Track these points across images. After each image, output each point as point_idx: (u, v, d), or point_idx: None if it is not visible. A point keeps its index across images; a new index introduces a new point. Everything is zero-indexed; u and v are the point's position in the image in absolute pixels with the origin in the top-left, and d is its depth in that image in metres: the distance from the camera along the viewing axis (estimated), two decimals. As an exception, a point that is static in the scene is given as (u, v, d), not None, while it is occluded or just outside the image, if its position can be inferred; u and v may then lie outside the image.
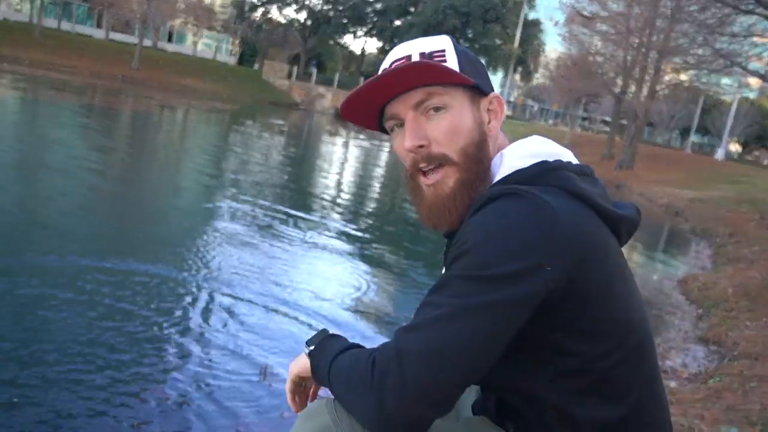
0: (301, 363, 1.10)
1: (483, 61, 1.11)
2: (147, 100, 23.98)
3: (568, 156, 1.06)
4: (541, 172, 0.99)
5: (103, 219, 6.02)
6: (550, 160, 1.01)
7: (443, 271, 1.17)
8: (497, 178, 1.02)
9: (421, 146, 1.02)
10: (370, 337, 3.97)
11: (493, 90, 1.09)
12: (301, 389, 1.17)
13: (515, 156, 1.03)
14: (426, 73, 1.00)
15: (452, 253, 0.93)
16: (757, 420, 2.60)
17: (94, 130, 13.25)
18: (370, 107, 1.07)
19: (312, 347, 1.07)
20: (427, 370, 0.86)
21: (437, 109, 1.02)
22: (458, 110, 1.03)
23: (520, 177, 0.98)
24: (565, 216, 0.91)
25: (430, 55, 1.03)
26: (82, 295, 3.75)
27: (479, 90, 1.06)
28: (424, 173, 1.04)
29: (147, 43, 42.26)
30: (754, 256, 7.92)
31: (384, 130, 1.12)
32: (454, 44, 1.06)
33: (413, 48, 1.05)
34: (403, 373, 0.86)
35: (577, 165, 1.04)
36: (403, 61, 1.03)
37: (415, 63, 1.01)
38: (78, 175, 7.71)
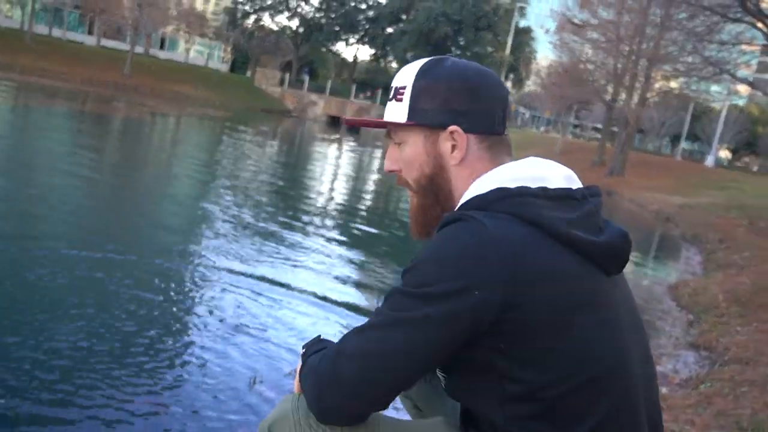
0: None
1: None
2: (139, 107, 23.92)
3: (556, 179, 1.04)
4: (499, 198, 1.00)
5: (89, 223, 5.98)
6: (532, 186, 1.01)
7: None
8: (461, 201, 1.08)
9: (392, 171, 1.19)
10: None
11: (461, 118, 1.09)
12: None
13: (490, 180, 1.05)
14: (389, 113, 1.17)
15: (405, 267, 1.01)
16: (747, 425, 2.61)
17: (87, 136, 13.19)
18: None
19: (303, 349, 1.17)
20: (357, 371, 0.97)
21: (399, 143, 1.17)
22: (411, 146, 1.14)
23: (478, 203, 1.02)
24: (504, 242, 0.92)
25: (396, 90, 1.15)
26: (70, 298, 3.72)
27: (442, 122, 1.11)
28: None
29: (139, 49, 42.23)
30: (743, 261, 7.97)
31: None
32: (416, 79, 1.12)
33: (402, 78, 1.16)
34: (337, 369, 0.99)
35: (557, 189, 1.02)
36: (391, 91, 1.18)
37: (371, 121, 1.26)
38: (66, 181, 7.67)
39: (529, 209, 0.97)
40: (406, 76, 1.14)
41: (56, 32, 44.23)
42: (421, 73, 1.12)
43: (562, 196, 1.02)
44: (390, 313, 0.97)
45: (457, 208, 1.07)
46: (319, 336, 1.17)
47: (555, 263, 0.94)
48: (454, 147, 1.10)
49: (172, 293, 4.26)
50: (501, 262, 0.91)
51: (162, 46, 53.73)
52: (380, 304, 1.01)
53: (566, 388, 0.94)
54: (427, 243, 1.01)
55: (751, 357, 3.82)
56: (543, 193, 1.00)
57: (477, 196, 1.03)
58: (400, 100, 1.13)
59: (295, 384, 1.17)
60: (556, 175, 1.05)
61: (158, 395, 2.86)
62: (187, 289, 4.41)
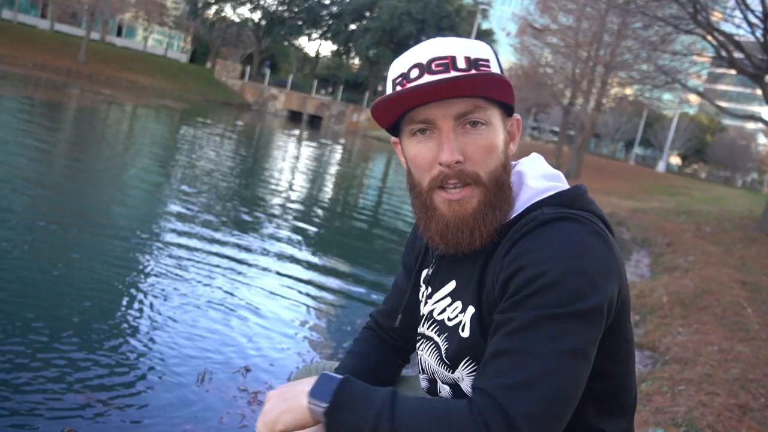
0: (299, 419, 0.90)
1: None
2: (93, 95, 23.26)
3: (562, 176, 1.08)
4: (578, 196, 1.00)
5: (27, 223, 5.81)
6: (562, 180, 1.04)
7: (427, 289, 1.13)
8: (524, 198, 1.00)
9: (458, 162, 0.95)
10: (326, 336, 3.96)
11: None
12: None
13: (535, 177, 1.03)
14: (481, 85, 0.94)
15: (522, 283, 0.88)
16: (681, 421, 2.72)
17: (36, 124, 12.75)
18: (402, 106, 0.98)
19: (326, 401, 0.88)
20: (545, 428, 0.84)
21: (475, 123, 0.96)
22: (495, 129, 0.98)
23: (562, 199, 0.98)
24: (614, 244, 0.94)
25: (476, 61, 0.97)
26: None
27: (509, 110, 1.03)
28: (444, 188, 0.98)
29: (95, 36, 41.03)
30: (688, 265, 8.25)
31: (391, 130, 1.05)
32: (495, 55, 1.01)
33: (455, 48, 0.97)
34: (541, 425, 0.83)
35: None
36: (447, 61, 0.96)
37: (483, 74, 0.95)
38: (9, 172, 7.41)
39: (596, 207, 1.01)
40: (480, 49, 0.99)
41: (6, 14, 42.67)
42: (494, 52, 1.02)
43: None
44: (555, 347, 0.85)
45: (527, 203, 0.99)
46: (331, 375, 0.91)
47: (621, 257, 0.97)
48: (510, 138, 1.04)
49: (120, 284, 4.17)
50: (618, 262, 0.93)
51: (119, 33, 52.34)
52: (519, 340, 0.86)
53: (631, 375, 1.03)
54: (533, 249, 0.90)
55: (690, 357, 3.96)
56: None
57: (561, 193, 0.99)
58: (488, 72, 0.97)
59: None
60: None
61: (100, 388, 2.80)
62: (136, 279, 4.32)
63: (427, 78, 0.95)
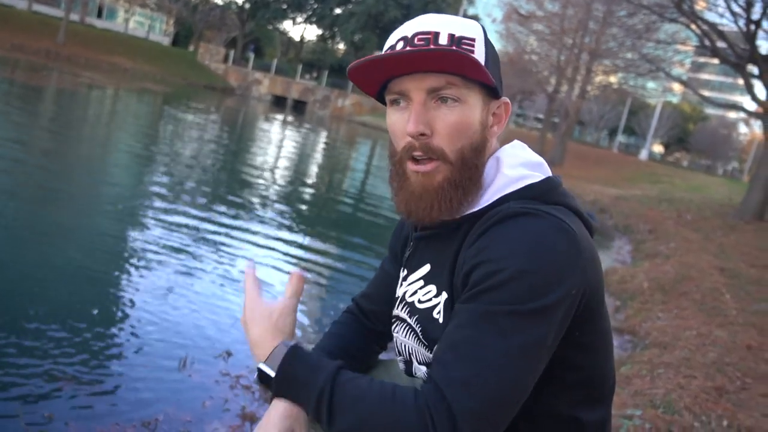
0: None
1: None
2: (73, 78, 22.87)
3: (545, 164, 1.08)
4: (550, 189, 1.00)
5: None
6: (544, 169, 1.04)
7: (404, 272, 1.14)
8: (497, 185, 1.00)
9: (423, 134, 0.96)
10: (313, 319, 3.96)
11: (502, 93, 1.05)
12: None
13: (513, 165, 1.02)
14: (454, 61, 0.94)
15: (480, 278, 0.89)
16: (660, 403, 2.76)
17: (12, 108, 12.52)
18: (378, 75, 0.99)
19: (274, 365, 0.94)
20: (487, 425, 0.84)
21: (445, 99, 0.96)
22: (469, 108, 0.98)
23: (532, 192, 0.98)
24: (581, 239, 0.93)
25: (460, 39, 0.96)
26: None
27: (494, 92, 1.02)
28: (415, 159, 0.99)
29: (74, 17, 40.21)
30: (669, 251, 8.36)
31: (380, 99, 1.06)
32: (484, 35, 1.01)
33: (442, 24, 0.98)
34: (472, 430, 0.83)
35: (558, 177, 1.06)
36: (429, 36, 0.96)
37: (449, 50, 0.93)
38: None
39: (570, 200, 1.01)
40: (467, 28, 0.98)
41: (-17, -6, 41.60)
42: (485, 31, 1.01)
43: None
44: (504, 343, 0.85)
45: (499, 193, 0.99)
46: (283, 342, 0.97)
47: (594, 249, 0.98)
48: (496, 121, 1.04)
49: (100, 268, 4.13)
50: (582, 258, 0.92)
51: (99, 15, 51.33)
52: (472, 329, 0.87)
53: (607, 365, 1.03)
54: (496, 242, 0.90)
55: (668, 341, 4.03)
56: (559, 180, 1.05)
57: (530, 186, 0.99)
58: (471, 51, 0.97)
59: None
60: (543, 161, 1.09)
61: (81, 373, 2.77)
62: (116, 263, 4.28)
63: (408, 51, 0.95)
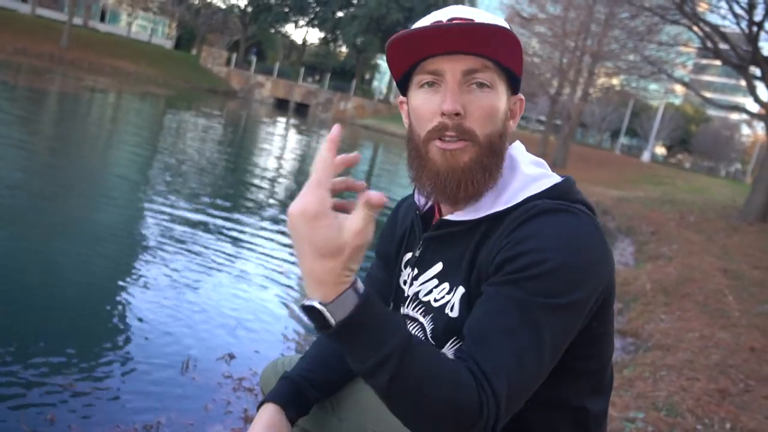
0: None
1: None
2: (76, 82, 22.93)
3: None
4: (570, 188, 1.02)
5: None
6: (547, 167, 1.07)
7: (413, 271, 1.12)
8: (519, 183, 1.01)
9: (457, 114, 0.96)
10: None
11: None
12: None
13: (526, 163, 1.05)
14: (498, 41, 0.95)
15: (522, 266, 0.90)
16: (662, 406, 2.76)
17: (16, 111, 12.56)
18: (415, 52, 0.98)
19: (338, 312, 0.78)
20: (512, 410, 0.87)
21: (481, 85, 0.98)
22: (498, 96, 1.00)
23: (557, 192, 1.00)
24: (603, 234, 0.97)
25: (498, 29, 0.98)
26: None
27: (516, 85, 1.04)
28: (441, 139, 0.98)
29: (77, 21, 40.35)
30: (672, 253, 8.34)
31: (402, 85, 1.05)
32: (513, 31, 1.01)
33: (475, 13, 1.00)
34: (503, 415, 0.85)
35: None
36: (465, 22, 0.97)
37: (498, 27, 0.93)
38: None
39: (584, 197, 1.03)
40: (497, 20, 1.01)
41: (-14, -2, 41.75)
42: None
43: None
44: (540, 336, 0.88)
45: (524, 191, 1.00)
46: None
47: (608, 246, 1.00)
48: (511, 116, 1.06)
49: (103, 270, 4.14)
50: (610, 257, 0.97)
51: (102, 19, 51.49)
52: (509, 318, 0.88)
53: (610, 355, 1.07)
54: (536, 235, 0.92)
55: (671, 344, 4.02)
56: None
57: (555, 186, 1.01)
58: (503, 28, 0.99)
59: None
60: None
61: (84, 376, 2.78)
62: (119, 265, 4.29)
63: (457, 24, 0.96)
